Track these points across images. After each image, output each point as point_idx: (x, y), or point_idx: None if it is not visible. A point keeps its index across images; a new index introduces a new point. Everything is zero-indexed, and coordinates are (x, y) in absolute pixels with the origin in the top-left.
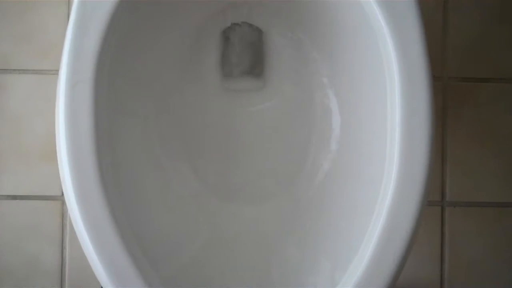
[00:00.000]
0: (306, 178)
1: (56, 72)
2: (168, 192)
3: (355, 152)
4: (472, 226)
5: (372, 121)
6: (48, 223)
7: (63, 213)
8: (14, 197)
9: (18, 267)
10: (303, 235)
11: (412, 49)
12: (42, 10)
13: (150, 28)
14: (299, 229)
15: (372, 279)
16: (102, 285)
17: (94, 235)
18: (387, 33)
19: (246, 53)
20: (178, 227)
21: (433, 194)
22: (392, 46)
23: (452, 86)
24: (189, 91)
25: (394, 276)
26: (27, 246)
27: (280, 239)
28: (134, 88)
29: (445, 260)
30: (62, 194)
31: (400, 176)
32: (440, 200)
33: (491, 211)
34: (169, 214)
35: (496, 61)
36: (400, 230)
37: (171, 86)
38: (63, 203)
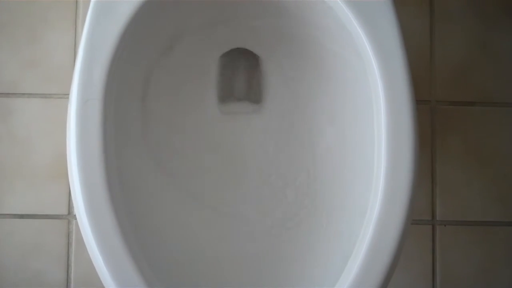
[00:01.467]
0: (297, 197)
1: (62, 96)
2: (171, 206)
3: (344, 171)
4: (462, 244)
5: (361, 142)
6: (54, 242)
7: (69, 232)
8: (21, 216)
9: (23, 285)
10: (295, 250)
11: (397, 76)
12: (49, 36)
13: (154, 50)
14: (291, 244)
15: None
16: None
17: (104, 249)
18: (374, 63)
19: (243, 78)
20: (182, 241)
21: (424, 214)
22: (378, 73)
23: (439, 109)
24: (187, 113)
25: None
26: (33, 264)
27: (273, 253)
28: (136, 108)
29: (436, 277)
30: (68, 213)
31: (385, 194)
32: (431, 219)
33: (479, 229)
34: (173, 227)
35: (481, 86)
36: (386, 245)
37: (171, 107)
38: (69, 222)
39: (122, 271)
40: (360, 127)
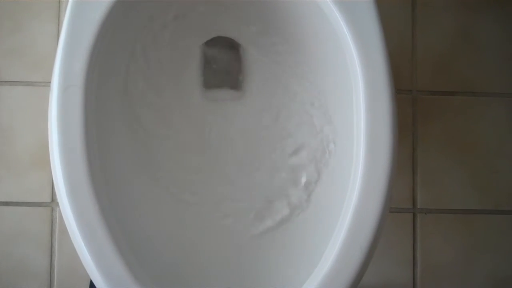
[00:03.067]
0: (279, 185)
1: (45, 84)
2: (154, 193)
3: (324, 158)
4: (442, 232)
5: (342, 129)
6: (38, 229)
7: (52, 219)
8: (6, 204)
9: (7, 272)
10: (277, 237)
11: (376, 65)
12: (32, 25)
13: (135, 37)
14: (272, 231)
15: (337, 277)
16: (96, 285)
17: (86, 234)
18: (354, 52)
19: (225, 65)
20: (165, 227)
21: (405, 202)
22: (358, 63)
23: (420, 99)
24: (171, 101)
25: (358, 276)
26: (16, 251)
27: (252, 241)
28: (118, 93)
29: (417, 264)
30: (52, 201)
31: (364, 181)
32: (412, 207)
33: (459, 217)
34: (156, 214)
35: (462, 75)
36: (363, 233)
37: (154, 93)
38: (52, 209)
39: (105, 258)
40: (340, 117)
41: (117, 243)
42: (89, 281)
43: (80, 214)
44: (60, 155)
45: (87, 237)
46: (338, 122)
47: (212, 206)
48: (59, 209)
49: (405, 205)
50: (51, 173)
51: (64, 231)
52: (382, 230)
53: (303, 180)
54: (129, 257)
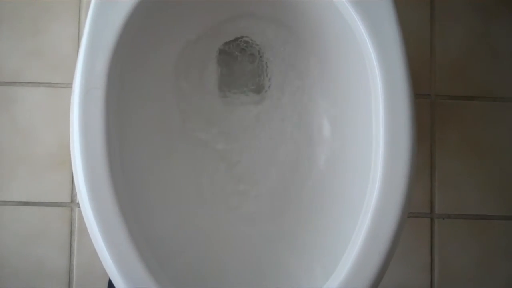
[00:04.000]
0: (298, 187)
1: (65, 85)
2: (173, 195)
3: (343, 163)
4: (460, 237)
5: (360, 134)
6: (57, 229)
7: (72, 220)
8: (25, 203)
9: (26, 271)
10: (295, 240)
11: (396, 70)
12: (53, 27)
13: (155, 40)
14: (291, 234)
15: (355, 281)
16: (116, 285)
17: (107, 235)
18: (374, 57)
19: (245, 68)
20: (183, 228)
21: (423, 207)
22: (378, 67)
23: (439, 103)
24: (189, 102)
25: (376, 280)
26: (36, 251)
27: (275, 244)
28: (139, 95)
29: (434, 269)
30: (71, 201)
31: (383, 186)
32: (430, 213)
33: (477, 223)
34: (174, 215)
35: (481, 80)
36: (381, 238)
37: (173, 96)
38: (71, 209)
39: (126, 261)
40: (359, 120)
41: (137, 244)
42: (108, 281)
43: (100, 215)
44: (81, 157)
45: (108, 238)
46: (357, 126)
47: (231, 208)
48: (78, 209)
49: (423, 210)
50: (70, 173)
51: (83, 231)
52: (400, 235)
53: (317, 180)
54: (149, 258)
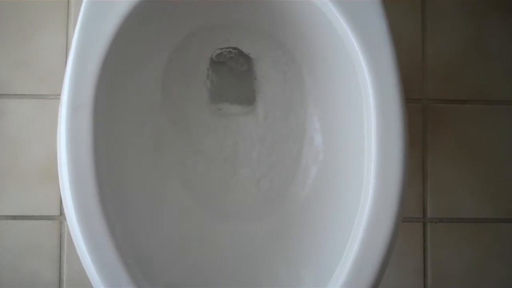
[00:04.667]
0: (291, 198)
1: (54, 96)
2: (161, 209)
3: (335, 173)
4: (453, 241)
5: (351, 141)
6: (46, 242)
7: (61, 233)
8: (14, 217)
9: (16, 286)
10: (288, 251)
11: (386, 76)
12: (41, 37)
13: (143, 51)
14: (284, 245)
15: None
16: None
17: (94, 252)
18: (363, 63)
19: (235, 78)
20: (171, 243)
21: (415, 211)
22: (368, 73)
23: (431, 107)
24: (180, 114)
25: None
26: (25, 265)
27: (267, 255)
28: (128, 109)
29: (427, 274)
30: (60, 214)
31: (376, 192)
32: (422, 217)
33: (470, 226)
34: (162, 230)
35: (473, 83)
36: (377, 244)
37: (163, 109)
38: (60, 222)
39: (112, 276)
40: (351, 129)
41: (125, 260)
42: None
43: (89, 235)
44: (69, 176)
45: (95, 255)
46: (348, 135)
47: (221, 223)
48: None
49: (415, 214)
50: (59, 186)
51: (72, 244)
52: (394, 245)
53: (310, 188)
54: (136, 273)
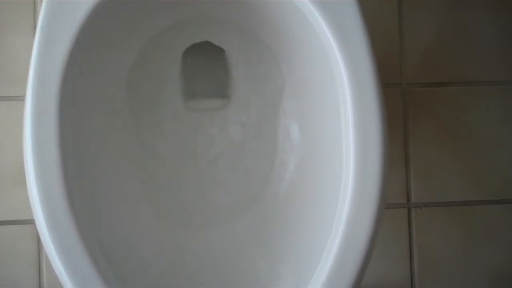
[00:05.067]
0: (270, 194)
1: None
2: (135, 211)
3: (314, 166)
4: (439, 225)
5: (328, 131)
6: (25, 247)
7: (39, 237)
8: None
9: None
10: (269, 248)
11: (361, 65)
12: (9, 38)
13: (111, 51)
14: (265, 243)
15: (335, 284)
16: None
17: (64, 257)
18: (337, 52)
19: (208, 73)
20: (146, 244)
21: (399, 197)
22: (342, 64)
23: (410, 91)
24: (151, 112)
25: (356, 281)
26: (4, 270)
27: (247, 253)
28: (95, 111)
29: (414, 260)
30: None
31: (356, 182)
32: (406, 202)
33: (455, 210)
34: (136, 232)
35: (451, 65)
36: (359, 234)
37: (134, 108)
38: None
39: (82, 277)
40: (328, 121)
41: (98, 266)
42: None
43: (59, 240)
44: (36, 183)
45: (65, 259)
46: (326, 127)
47: (198, 222)
48: None
49: (399, 200)
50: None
51: None
52: (376, 236)
53: (288, 183)
54: (110, 278)
